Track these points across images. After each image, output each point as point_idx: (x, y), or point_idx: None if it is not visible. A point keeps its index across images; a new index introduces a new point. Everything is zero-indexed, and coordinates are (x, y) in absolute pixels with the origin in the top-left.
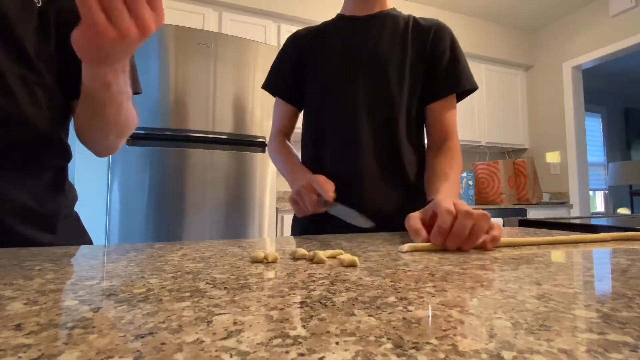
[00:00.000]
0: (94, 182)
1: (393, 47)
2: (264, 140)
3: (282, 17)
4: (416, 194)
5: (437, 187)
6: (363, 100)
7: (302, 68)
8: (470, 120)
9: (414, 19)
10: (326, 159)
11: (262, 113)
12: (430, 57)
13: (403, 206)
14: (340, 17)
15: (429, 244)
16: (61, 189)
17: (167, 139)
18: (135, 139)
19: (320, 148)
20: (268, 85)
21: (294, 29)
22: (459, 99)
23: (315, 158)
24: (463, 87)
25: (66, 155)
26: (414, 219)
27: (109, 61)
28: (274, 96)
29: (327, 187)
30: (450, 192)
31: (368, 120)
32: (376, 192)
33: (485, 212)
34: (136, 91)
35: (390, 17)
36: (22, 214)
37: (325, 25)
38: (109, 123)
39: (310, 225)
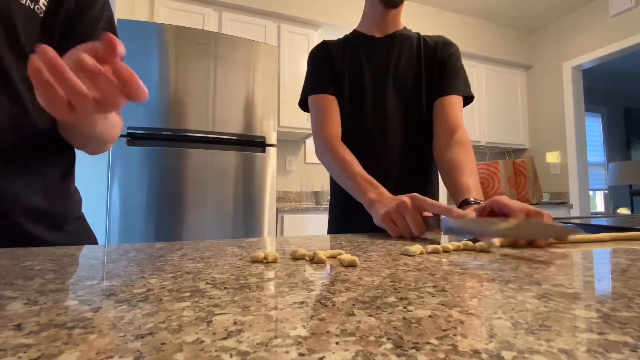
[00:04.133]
0: (94, 182)
1: (411, 66)
2: (264, 141)
3: (282, 17)
4: (430, 194)
5: (466, 183)
6: (392, 112)
7: (336, 73)
8: (470, 120)
9: (423, 38)
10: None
11: (262, 113)
12: (438, 66)
13: None
14: (361, 35)
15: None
16: (69, 190)
17: (167, 139)
18: (135, 139)
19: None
20: (308, 91)
21: (294, 29)
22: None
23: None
24: (467, 92)
25: (72, 155)
26: (471, 214)
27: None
28: (312, 95)
29: (447, 206)
30: (479, 188)
31: (397, 130)
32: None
33: (548, 212)
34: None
35: (405, 38)
36: (34, 215)
37: (348, 40)
38: (85, 139)
39: (345, 220)
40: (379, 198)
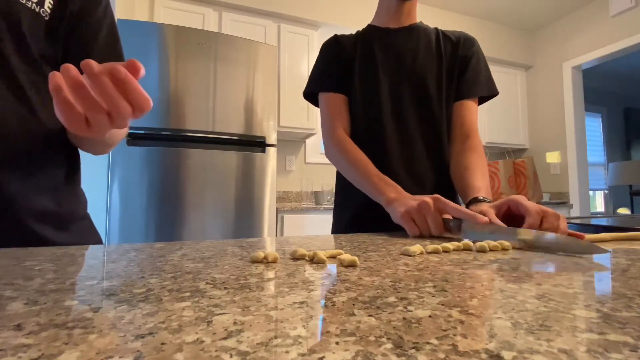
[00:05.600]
0: (94, 182)
1: (430, 58)
2: (264, 140)
3: (282, 17)
4: (448, 192)
5: (476, 183)
6: (411, 107)
7: (347, 69)
8: None
9: (442, 32)
10: (383, 159)
11: (262, 113)
12: (459, 63)
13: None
14: (375, 28)
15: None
16: (76, 190)
17: (167, 139)
18: (135, 139)
19: (379, 148)
20: (316, 86)
21: (294, 29)
22: (480, 102)
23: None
24: (490, 91)
25: (77, 156)
26: (491, 213)
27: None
28: (322, 92)
29: (471, 212)
30: (488, 189)
31: (415, 124)
32: (423, 189)
33: (563, 215)
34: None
35: (422, 31)
36: (43, 216)
37: (362, 34)
38: (93, 144)
39: (355, 220)
40: (398, 197)
